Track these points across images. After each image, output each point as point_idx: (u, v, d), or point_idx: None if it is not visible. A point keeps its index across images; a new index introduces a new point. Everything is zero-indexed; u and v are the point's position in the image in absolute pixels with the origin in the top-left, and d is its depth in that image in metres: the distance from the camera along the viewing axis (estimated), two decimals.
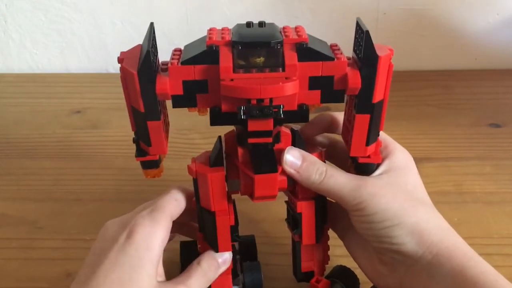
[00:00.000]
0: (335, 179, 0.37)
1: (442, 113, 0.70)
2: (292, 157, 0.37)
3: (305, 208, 0.40)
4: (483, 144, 0.64)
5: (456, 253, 0.36)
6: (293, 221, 0.41)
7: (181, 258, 0.45)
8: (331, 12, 0.78)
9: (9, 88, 0.78)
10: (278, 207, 0.52)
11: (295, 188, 0.40)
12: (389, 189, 0.37)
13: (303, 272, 0.43)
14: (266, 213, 0.54)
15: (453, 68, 0.79)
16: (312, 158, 0.38)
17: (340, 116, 0.41)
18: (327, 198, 0.41)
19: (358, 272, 0.43)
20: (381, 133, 0.39)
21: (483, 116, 0.69)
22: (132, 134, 0.66)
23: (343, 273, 0.43)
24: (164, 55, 0.89)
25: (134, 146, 0.64)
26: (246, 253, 0.45)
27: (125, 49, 0.89)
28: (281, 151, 0.37)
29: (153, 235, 0.36)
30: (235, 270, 0.42)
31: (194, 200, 0.40)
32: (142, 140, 0.37)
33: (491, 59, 0.81)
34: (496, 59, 0.80)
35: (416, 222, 0.36)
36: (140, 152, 0.38)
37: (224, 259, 0.40)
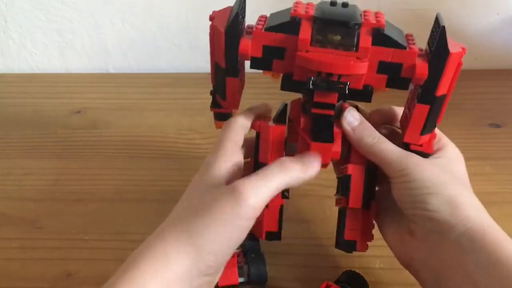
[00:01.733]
0: (386, 145, 0.40)
1: None
2: (352, 117, 0.40)
3: (355, 171, 0.41)
4: (483, 144, 0.64)
5: (490, 231, 0.36)
6: (343, 184, 0.42)
7: None
8: None
9: (9, 88, 0.78)
10: None
11: (347, 156, 0.42)
12: (435, 166, 0.39)
13: (345, 240, 0.42)
14: None
15: None
16: (369, 124, 0.41)
17: (401, 111, 0.43)
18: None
19: (366, 276, 0.43)
20: (436, 129, 0.41)
21: (483, 116, 0.69)
22: (131, 134, 0.67)
23: (352, 277, 0.43)
24: (164, 54, 0.89)
25: (134, 146, 0.65)
26: (249, 245, 0.45)
27: (126, 49, 0.89)
28: (339, 126, 0.40)
29: (222, 157, 0.38)
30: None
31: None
32: (218, 94, 0.41)
33: (491, 59, 0.80)
34: (496, 59, 0.80)
35: (454, 195, 0.38)
36: (215, 104, 0.42)
37: (310, 161, 0.39)
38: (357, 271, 0.45)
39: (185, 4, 0.78)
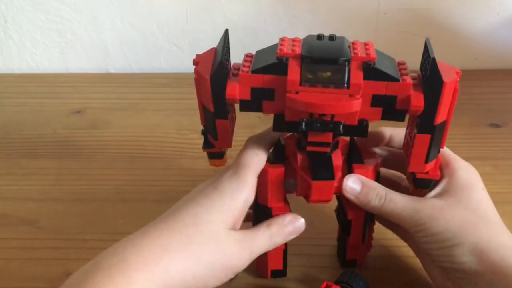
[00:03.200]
0: (394, 203, 0.39)
1: None
2: (352, 184, 0.39)
3: (355, 216, 0.42)
4: (483, 144, 0.64)
5: None
6: (343, 224, 0.43)
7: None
8: (331, 12, 0.78)
9: (9, 88, 0.78)
10: None
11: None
12: (448, 210, 0.38)
13: (347, 260, 0.46)
14: None
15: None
16: (371, 183, 0.39)
17: (398, 131, 0.42)
18: None
19: (366, 276, 0.43)
20: (445, 149, 0.40)
21: (483, 116, 0.69)
22: (131, 134, 0.67)
23: (352, 277, 0.43)
24: (164, 54, 0.88)
25: (134, 146, 0.65)
26: None
27: (126, 49, 0.89)
28: (338, 157, 0.39)
29: (238, 190, 0.37)
30: None
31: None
32: (210, 134, 0.40)
33: (491, 59, 0.80)
34: (496, 59, 0.80)
35: (476, 241, 0.37)
36: (207, 144, 0.41)
37: (295, 227, 0.39)
38: (357, 271, 0.45)
39: (185, 4, 0.78)
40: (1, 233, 0.52)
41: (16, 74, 0.82)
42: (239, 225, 0.38)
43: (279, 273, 0.45)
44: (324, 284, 0.41)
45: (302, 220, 0.40)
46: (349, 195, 0.39)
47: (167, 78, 0.79)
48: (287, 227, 0.39)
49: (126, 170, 0.61)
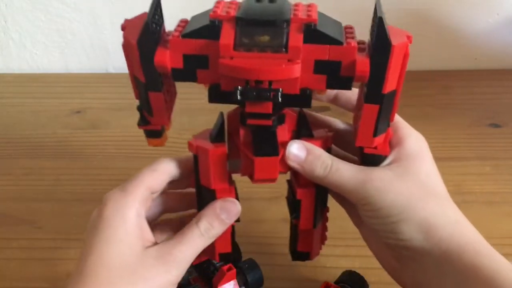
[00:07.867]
0: (340, 174, 0.35)
1: (441, 113, 0.70)
2: (296, 151, 0.35)
3: (305, 196, 0.38)
4: (483, 144, 0.64)
5: (467, 250, 0.34)
6: (292, 205, 0.39)
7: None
8: (331, 12, 0.77)
9: (9, 88, 0.78)
10: (279, 207, 0.52)
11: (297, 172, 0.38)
12: (396, 182, 0.35)
13: (299, 252, 0.41)
14: (268, 214, 0.54)
15: (453, 68, 0.79)
16: (317, 150, 0.36)
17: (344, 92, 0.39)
18: None
19: (366, 276, 0.43)
20: (396, 116, 0.37)
21: (483, 116, 0.69)
22: (131, 134, 0.66)
23: (352, 277, 0.42)
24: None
25: (134, 146, 0.65)
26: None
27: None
28: (284, 133, 0.36)
29: (124, 206, 0.35)
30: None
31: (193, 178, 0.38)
32: (144, 110, 0.37)
33: (491, 59, 0.80)
34: (496, 59, 0.80)
35: (424, 217, 0.35)
36: (143, 121, 0.38)
37: (228, 213, 0.36)
38: (357, 271, 0.44)
39: (185, 4, 0.78)
40: (1, 233, 0.52)
41: (16, 74, 0.82)
42: (148, 231, 0.36)
43: (228, 257, 0.40)
44: (324, 284, 0.41)
45: (236, 203, 0.36)
46: (292, 163, 0.35)
47: None
48: (220, 215, 0.36)
49: (126, 170, 0.61)
